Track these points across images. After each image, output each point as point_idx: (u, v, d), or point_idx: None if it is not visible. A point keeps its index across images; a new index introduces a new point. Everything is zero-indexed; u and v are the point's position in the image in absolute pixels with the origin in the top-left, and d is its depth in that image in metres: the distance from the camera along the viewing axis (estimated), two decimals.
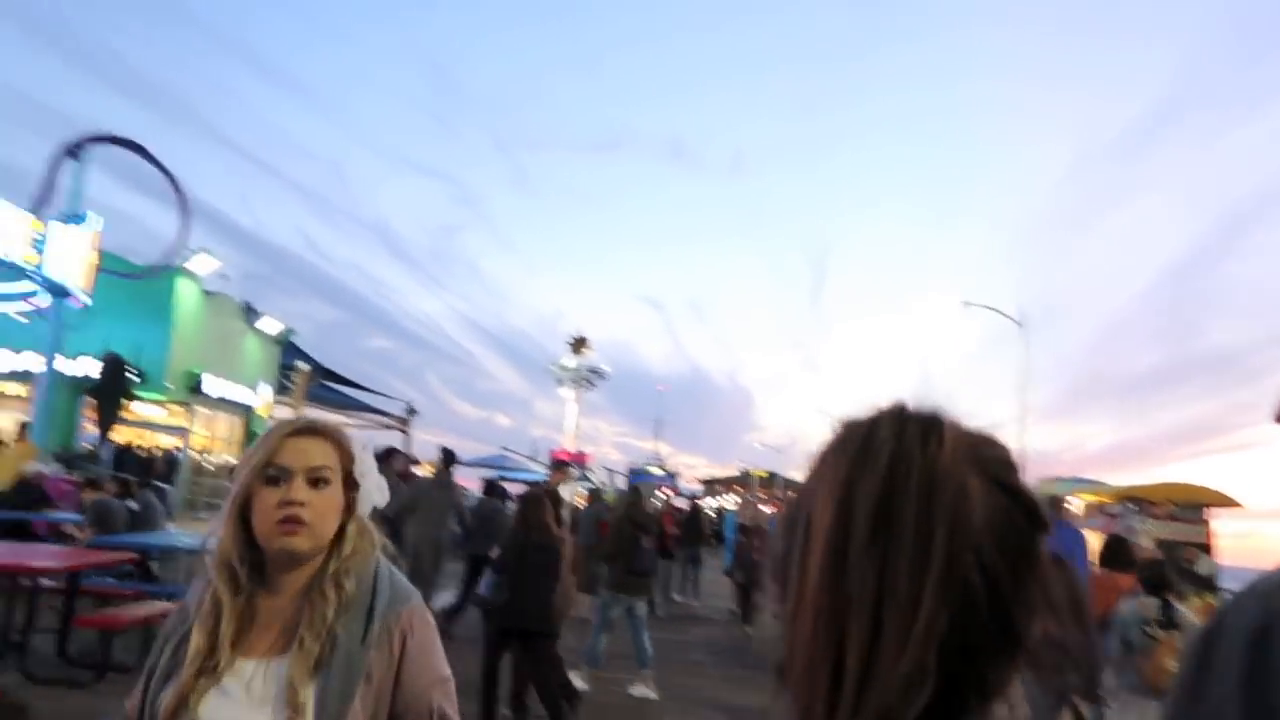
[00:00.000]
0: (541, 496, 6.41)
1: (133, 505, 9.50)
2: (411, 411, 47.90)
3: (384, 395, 46.75)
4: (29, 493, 10.32)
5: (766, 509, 20.58)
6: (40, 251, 15.68)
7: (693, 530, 16.71)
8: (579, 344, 45.72)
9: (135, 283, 21.29)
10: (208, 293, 26.10)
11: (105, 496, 9.08)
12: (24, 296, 18.64)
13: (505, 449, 46.45)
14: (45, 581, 6.72)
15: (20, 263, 15.10)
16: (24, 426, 14.58)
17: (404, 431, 47.42)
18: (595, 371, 46.55)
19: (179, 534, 9.79)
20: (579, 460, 45.04)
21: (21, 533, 9.53)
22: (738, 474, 55.23)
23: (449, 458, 9.74)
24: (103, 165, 19.40)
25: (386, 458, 9.28)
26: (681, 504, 29.63)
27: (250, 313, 29.33)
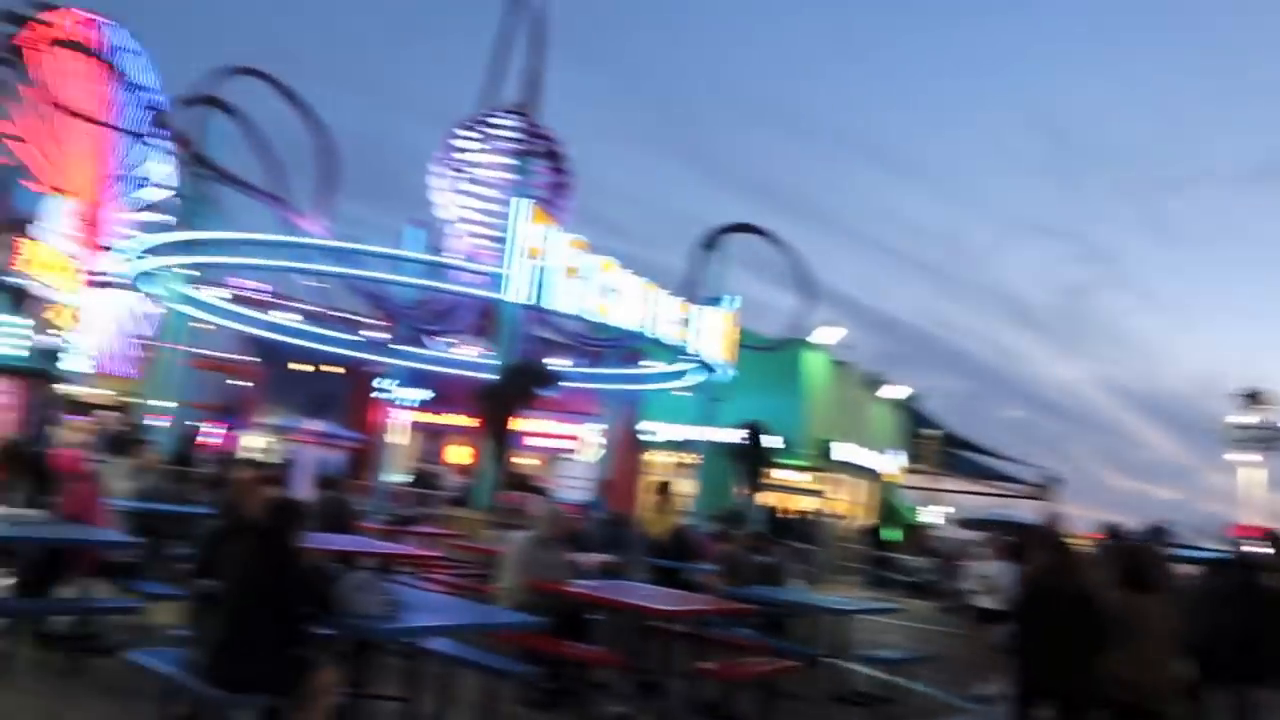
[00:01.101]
0: None
1: (766, 560, 9.63)
2: (1051, 480, 44.37)
3: (1019, 462, 43.94)
4: (682, 545, 11.09)
5: None
6: (690, 330, 17.49)
7: None
8: (1254, 398, 37.97)
9: (770, 357, 22.81)
10: (834, 363, 27.21)
11: (736, 549, 9.25)
12: (680, 375, 21.17)
13: (1162, 521, 40.23)
14: (677, 627, 6.77)
15: (676, 341, 16.93)
16: (664, 486, 16.21)
17: (1043, 501, 43.96)
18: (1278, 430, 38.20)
19: (809, 592, 9.62)
20: (1270, 537, 36.97)
21: (673, 581, 10.17)
22: None
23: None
24: (736, 258, 21.42)
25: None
26: None
27: (874, 382, 29.93)
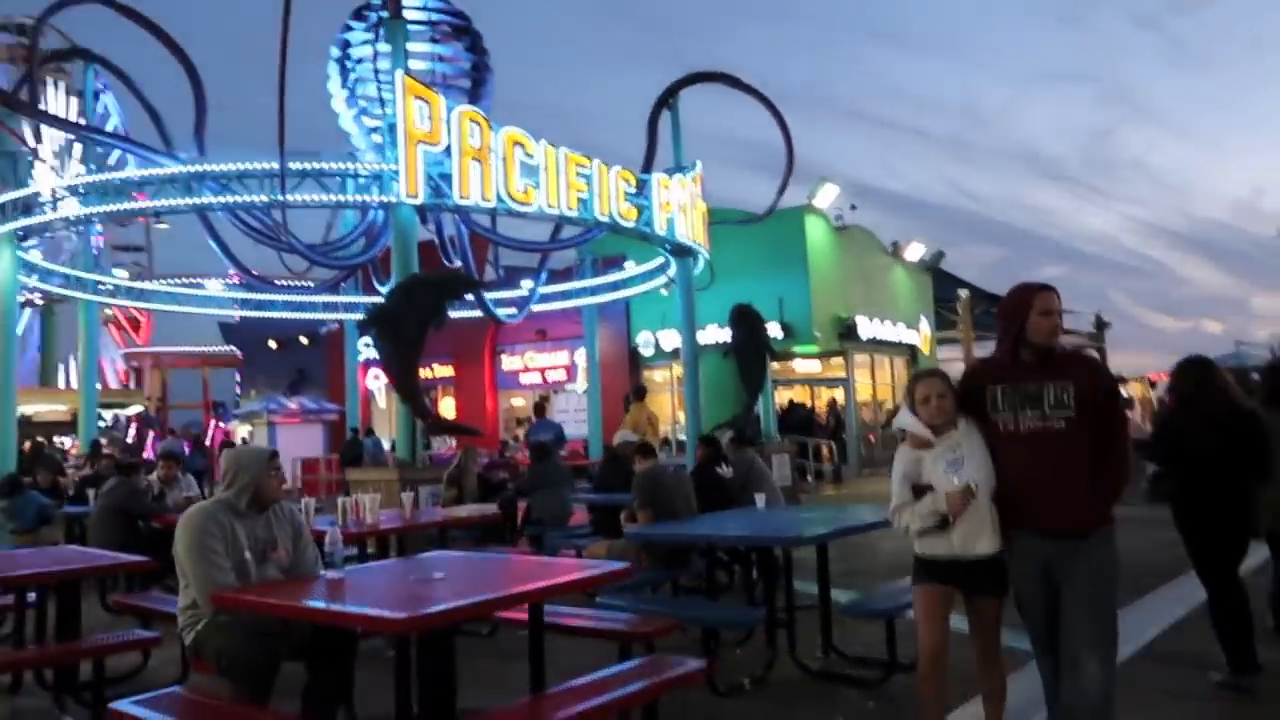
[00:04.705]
0: None
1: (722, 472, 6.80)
2: (1102, 324, 40.79)
3: (1065, 312, 40.31)
4: (615, 469, 8.17)
5: None
6: (642, 205, 14.18)
7: None
8: None
9: (764, 232, 19.38)
10: (839, 229, 23.71)
11: (653, 466, 6.31)
12: (661, 272, 17.87)
13: (1240, 343, 36.70)
14: None
15: (622, 221, 13.63)
16: (640, 392, 13.19)
17: (1098, 348, 40.54)
18: None
19: (771, 510, 6.65)
20: None
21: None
22: None
23: None
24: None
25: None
26: None
27: (889, 246, 26.41)
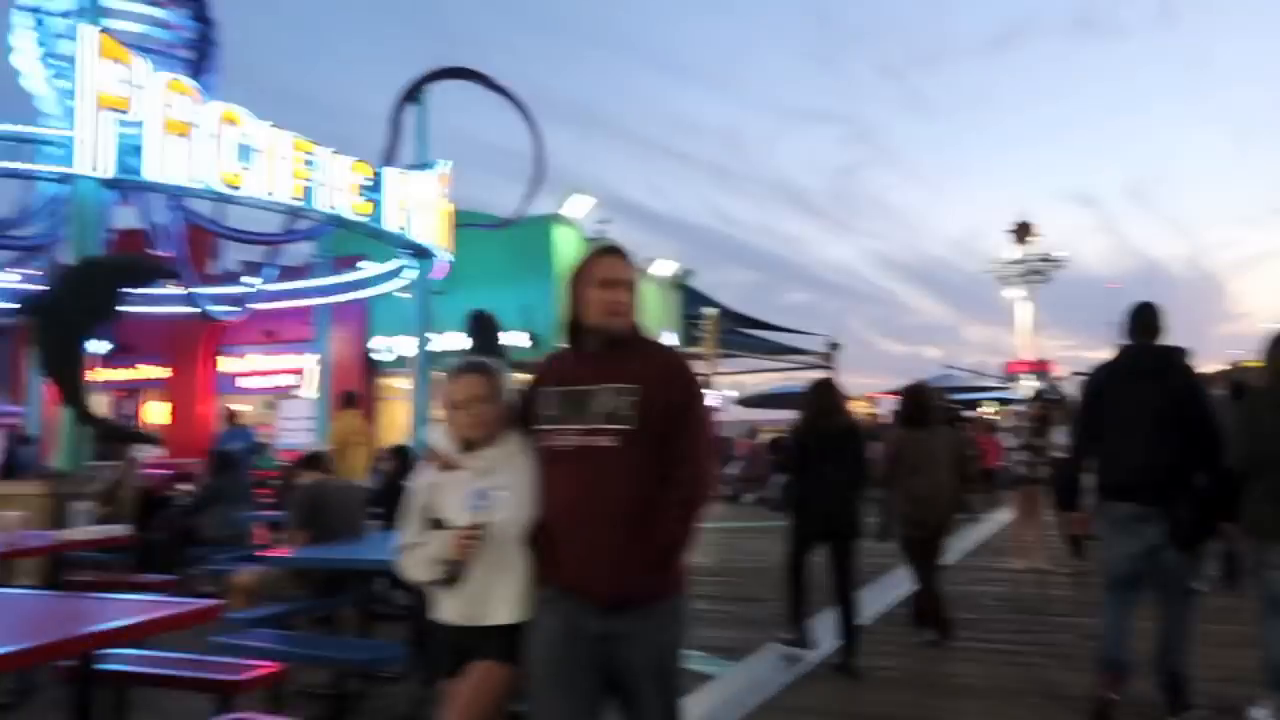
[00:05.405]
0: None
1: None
2: (834, 346, 43.48)
3: (803, 333, 42.70)
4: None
5: None
6: (381, 202, 13.33)
7: None
8: (1023, 231, 37.72)
9: (512, 238, 19.02)
10: (591, 240, 23.72)
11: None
12: (398, 273, 16.96)
13: (950, 367, 40.26)
14: None
15: (350, 214, 12.72)
16: (349, 399, 12.44)
17: (829, 369, 43.17)
18: (1047, 260, 38.31)
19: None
20: (1041, 369, 37.58)
21: None
22: (1228, 367, 43.38)
23: None
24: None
25: None
26: None
27: (641, 261, 26.80)
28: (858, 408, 31.78)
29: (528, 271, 20.78)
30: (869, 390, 31.95)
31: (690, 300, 31.27)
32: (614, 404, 2.39)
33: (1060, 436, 8.63)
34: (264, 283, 17.25)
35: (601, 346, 2.50)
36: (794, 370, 38.51)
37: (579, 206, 22.57)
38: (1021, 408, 14.19)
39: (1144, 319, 4.56)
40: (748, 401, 26.87)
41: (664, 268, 27.80)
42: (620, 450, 2.36)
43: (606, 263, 2.55)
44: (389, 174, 13.78)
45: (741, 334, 38.97)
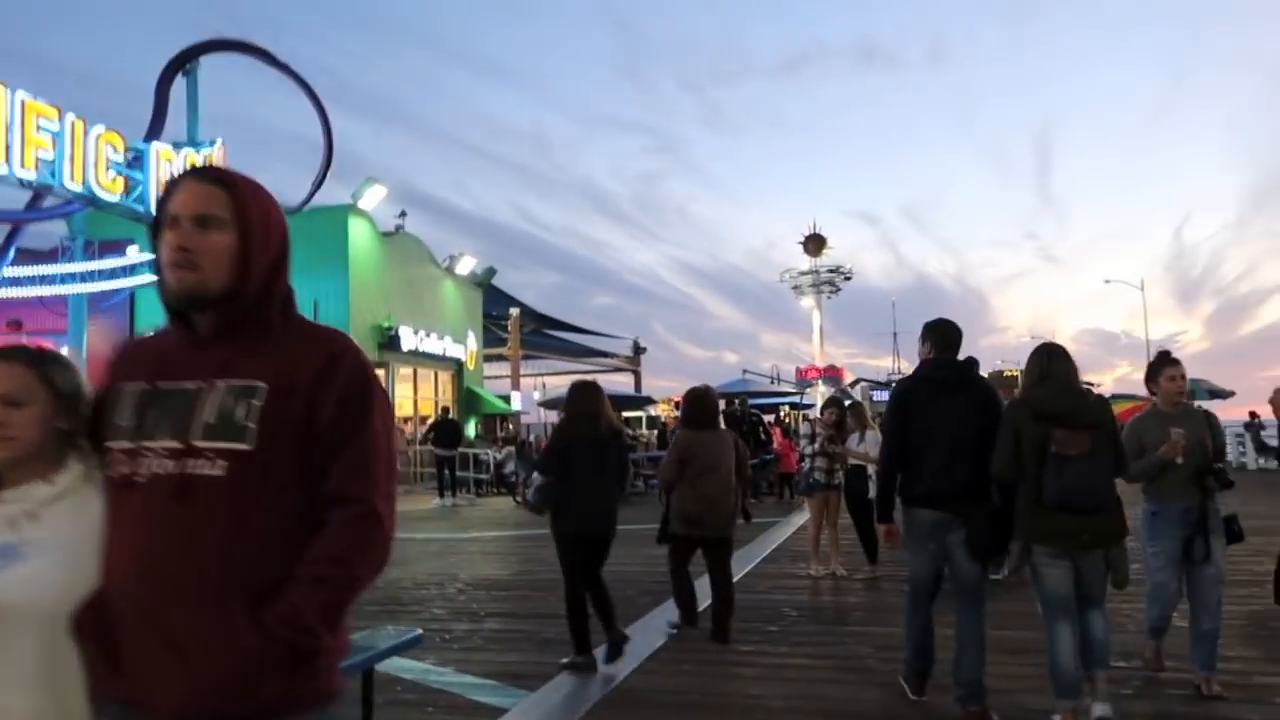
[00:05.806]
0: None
1: None
2: (639, 349, 43.91)
3: (609, 336, 42.83)
4: None
5: None
6: (135, 179, 11.88)
7: None
8: (815, 243, 39.41)
9: (299, 230, 17.60)
10: (386, 234, 22.55)
11: None
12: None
13: (747, 372, 41.53)
14: None
15: (103, 193, 11.28)
16: None
17: (634, 371, 43.56)
18: (837, 271, 40.29)
19: None
20: (834, 376, 39.36)
21: None
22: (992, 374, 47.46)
23: None
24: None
25: None
26: None
27: (443, 258, 25.78)
28: (662, 410, 32.06)
29: (320, 263, 19.44)
30: (671, 394, 32.36)
31: (494, 299, 30.55)
32: (224, 411, 1.56)
33: (855, 443, 8.70)
34: (0, 267, 15.17)
35: (217, 325, 1.65)
36: (600, 372, 38.56)
37: (373, 197, 21.38)
38: (815, 414, 14.52)
39: (946, 334, 4.73)
40: (549, 404, 26.53)
41: (466, 265, 26.92)
42: (228, 482, 1.53)
43: (181, 192, 1.64)
44: (154, 150, 12.38)
45: (547, 335, 38.65)
